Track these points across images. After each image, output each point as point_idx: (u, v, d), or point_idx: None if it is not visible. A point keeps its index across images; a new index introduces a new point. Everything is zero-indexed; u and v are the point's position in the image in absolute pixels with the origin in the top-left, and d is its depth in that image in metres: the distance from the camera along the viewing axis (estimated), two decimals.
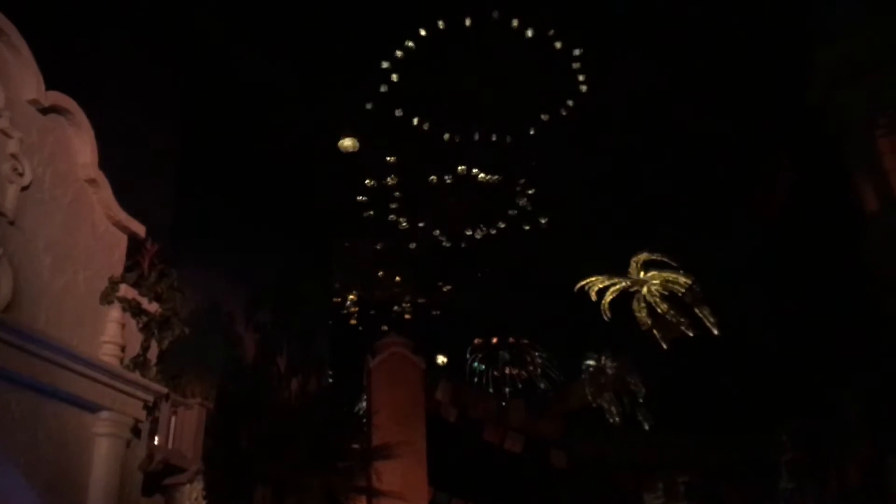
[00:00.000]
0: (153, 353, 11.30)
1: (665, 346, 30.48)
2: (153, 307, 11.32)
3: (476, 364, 44.14)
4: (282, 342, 31.05)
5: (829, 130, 15.04)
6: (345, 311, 42.81)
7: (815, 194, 17.49)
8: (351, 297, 43.27)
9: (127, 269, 11.24)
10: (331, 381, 30.92)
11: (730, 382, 28.15)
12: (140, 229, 11.51)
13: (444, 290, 43.16)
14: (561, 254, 35.53)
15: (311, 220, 35.08)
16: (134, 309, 10.95)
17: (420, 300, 44.18)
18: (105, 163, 12.04)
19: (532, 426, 28.52)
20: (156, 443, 13.45)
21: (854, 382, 23.47)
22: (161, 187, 20.46)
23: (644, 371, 28.09)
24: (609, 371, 25.22)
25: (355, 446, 25.78)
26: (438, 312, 44.20)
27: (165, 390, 10.93)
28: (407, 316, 43.74)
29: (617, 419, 35.09)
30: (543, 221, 35.22)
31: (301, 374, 28.46)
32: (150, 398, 10.72)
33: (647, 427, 32.27)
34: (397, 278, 42.05)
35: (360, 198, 33.38)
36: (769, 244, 18.67)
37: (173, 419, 14.35)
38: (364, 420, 28.51)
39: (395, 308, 44.13)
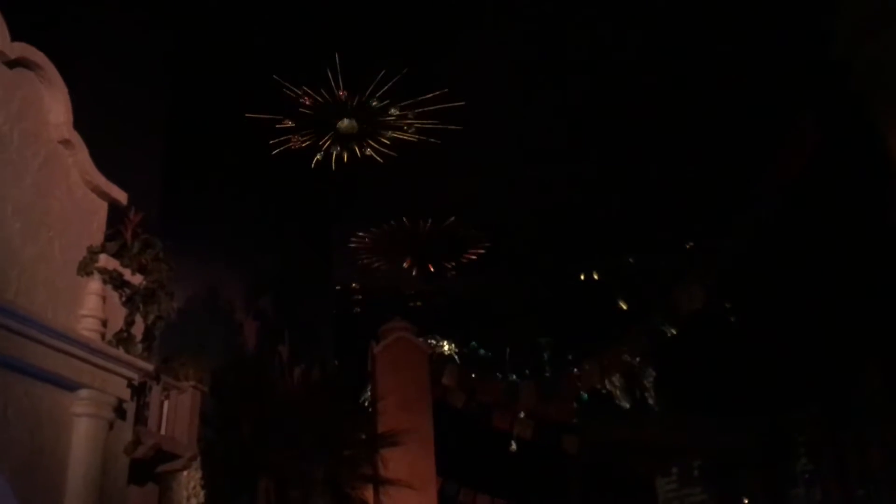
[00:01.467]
0: (138, 329, 10.48)
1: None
2: (137, 279, 10.49)
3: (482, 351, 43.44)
4: (284, 330, 30.36)
5: (857, 87, 14.16)
6: (349, 300, 42.12)
7: (841, 158, 16.61)
8: (354, 285, 42.57)
9: (107, 238, 10.41)
10: (335, 369, 30.16)
11: (746, 362, 27.26)
12: (121, 196, 10.68)
13: (449, 276, 42.36)
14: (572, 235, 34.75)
15: (312, 207, 34.38)
16: (115, 281, 10.13)
17: (425, 287, 43.45)
18: (88, 133, 11.25)
19: (543, 410, 27.68)
20: (146, 428, 12.68)
21: (879, 358, 22.62)
22: (149, 163, 19.59)
23: (657, 353, 27.21)
24: (619, 355, 24.44)
25: (361, 436, 25.00)
26: (444, 300, 43.50)
27: (151, 367, 10.10)
28: (417, 304, 43.06)
29: (626, 404, 34.29)
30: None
31: (304, 363, 27.62)
32: (135, 376, 9.90)
33: (656, 410, 31.37)
34: (405, 263, 41.28)
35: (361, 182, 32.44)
36: (790, 212, 17.82)
37: (165, 403, 13.56)
38: (369, 408, 27.78)
39: (400, 294, 43.42)
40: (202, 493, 16.65)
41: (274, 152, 29.89)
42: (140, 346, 10.34)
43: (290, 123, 29.58)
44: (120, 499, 9.66)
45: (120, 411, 9.79)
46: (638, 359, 23.83)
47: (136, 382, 9.99)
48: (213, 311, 25.81)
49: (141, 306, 10.45)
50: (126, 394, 9.73)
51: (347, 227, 37.46)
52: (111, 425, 9.57)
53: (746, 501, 35.05)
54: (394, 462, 23.76)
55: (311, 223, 33.66)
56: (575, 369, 25.82)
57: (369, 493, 23.72)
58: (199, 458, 16.69)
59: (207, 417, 20.72)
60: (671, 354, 27.11)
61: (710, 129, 23.74)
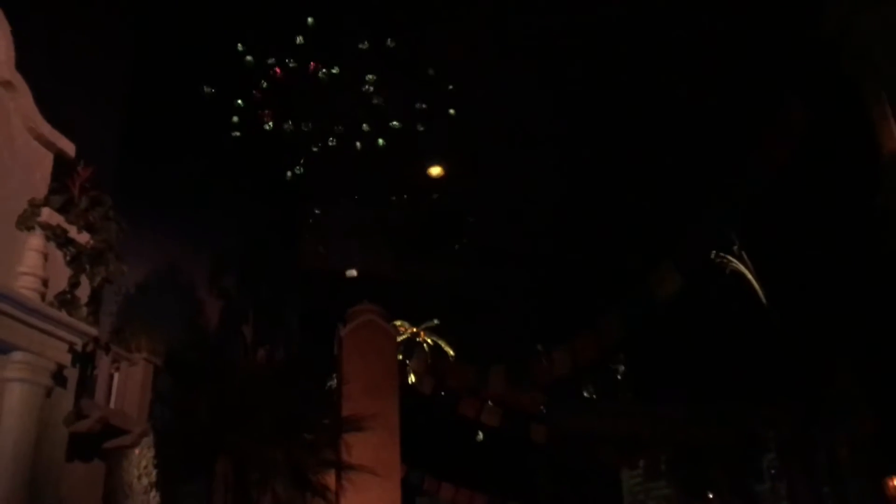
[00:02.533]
0: (84, 292, 9.70)
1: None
2: (84, 238, 9.72)
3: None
4: (247, 311, 29.56)
5: (847, 68, 13.71)
6: (317, 283, 41.23)
7: (828, 142, 16.19)
8: (322, 267, 41.69)
9: (52, 192, 9.61)
10: (299, 351, 29.43)
11: (717, 356, 26.96)
12: (69, 147, 9.88)
13: (421, 262, 41.64)
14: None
15: (279, 183, 33.50)
16: (59, 238, 9.35)
17: (395, 273, 42.69)
18: (41, 89, 10.42)
19: (512, 397, 27.14)
20: (93, 400, 11.89)
21: (851, 355, 22.38)
22: (106, 129, 18.65)
23: (629, 341, 26.80)
24: (591, 342, 23.97)
25: (325, 420, 24.30)
26: (413, 284, 42.74)
27: (95, 332, 9.34)
28: (388, 289, 42.28)
29: (594, 395, 33.96)
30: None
31: (268, 344, 26.85)
32: (78, 341, 9.13)
33: (625, 401, 30.99)
34: (372, 248, 40.47)
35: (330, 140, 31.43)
36: (772, 198, 17.40)
37: (115, 376, 12.79)
38: (334, 392, 27.09)
39: (369, 279, 42.61)
40: (154, 473, 15.87)
41: (235, 130, 28.90)
42: (85, 310, 9.58)
43: (257, 96, 28.63)
44: (56, 472, 8.90)
45: (59, 378, 9.02)
46: (610, 347, 23.42)
47: (78, 348, 9.21)
48: (172, 288, 24.93)
49: (87, 267, 9.69)
50: (66, 359, 8.96)
51: (317, 207, 36.57)
52: (48, 392, 8.81)
53: (711, 496, 34.91)
54: (357, 447, 23.08)
55: (278, 203, 32.82)
56: (545, 357, 25.29)
57: (331, 479, 23.04)
58: (151, 436, 15.93)
59: (164, 396, 20.04)
60: (642, 345, 26.75)
61: (695, 113, 23.25)
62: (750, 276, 27.04)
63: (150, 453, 15.89)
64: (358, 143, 30.34)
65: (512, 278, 35.58)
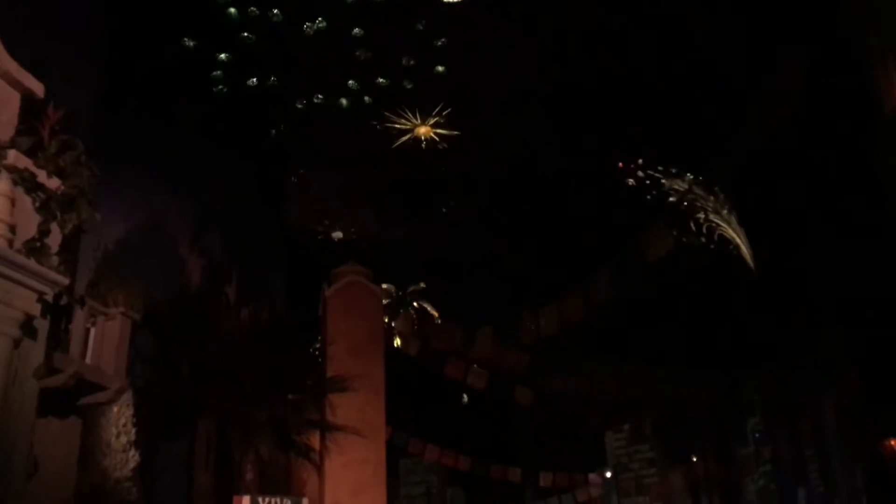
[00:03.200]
0: (55, 240, 9.24)
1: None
2: (54, 183, 9.24)
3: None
4: (231, 271, 29.07)
5: (849, 23, 13.30)
6: (302, 245, 40.76)
7: (827, 99, 15.81)
8: (310, 228, 41.19)
9: (19, 133, 9.11)
10: (284, 312, 29.02)
11: (704, 318, 26.82)
12: (37, 87, 9.37)
13: (407, 225, 41.21)
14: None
15: (263, 142, 32.88)
16: (28, 182, 8.86)
17: (381, 235, 42.27)
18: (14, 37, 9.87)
19: (498, 358, 26.96)
20: (67, 355, 11.50)
21: (842, 318, 22.26)
22: (83, 78, 17.98)
23: (617, 300, 26.62)
24: (579, 302, 23.76)
25: (308, 381, 24.03)
26: (400, 246, 42.36)
27: (65, 281, 8.89)
28: (373, 252, 41.91)
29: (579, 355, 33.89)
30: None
31: (252, 305, 26.43)
32: (48, 290, 8.69)
33: (610, 362, 30.83)
34: (357, 211, 39.99)
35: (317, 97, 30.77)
36: (770, 158, 17.07)
37: (92, 331, 12.40)
38: (318, 353, 26.81)
39: (354, 241, 42.19)
40: (133, 431, 15.56)
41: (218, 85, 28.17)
42: (55, 259, 9.11)
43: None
44: (26, 426, 8.52)
45: (29, 329, 8.60)
46: (598, 307, 23.22)
47: (48, 298, 8.78)
48: (154, 246, 24.38)
49: (58, 214, 9.20)
50: (35, 309, 8.53)
51: (302, 168, 35.96)
52: (16, 344, 8.38)
53: (695, 459, 35.16)
54: (342, 408, 22.87)
55: (263, 162, 32.18)
56: (532, 318, 25.06)
57: (315, 440, 22.84)
58: (130, 393, 15.58)
59: (145, 355, 19.70)
60: (629, 305, 26.54)
61: (691, 67, 22.68)
62: (738, 239, 26.86)
63: (129, 411, 15.56)
64: (343, 101, 29.68)
65: (499, 240, 35.24)
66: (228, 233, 29.41)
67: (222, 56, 27.95)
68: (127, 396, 15.54)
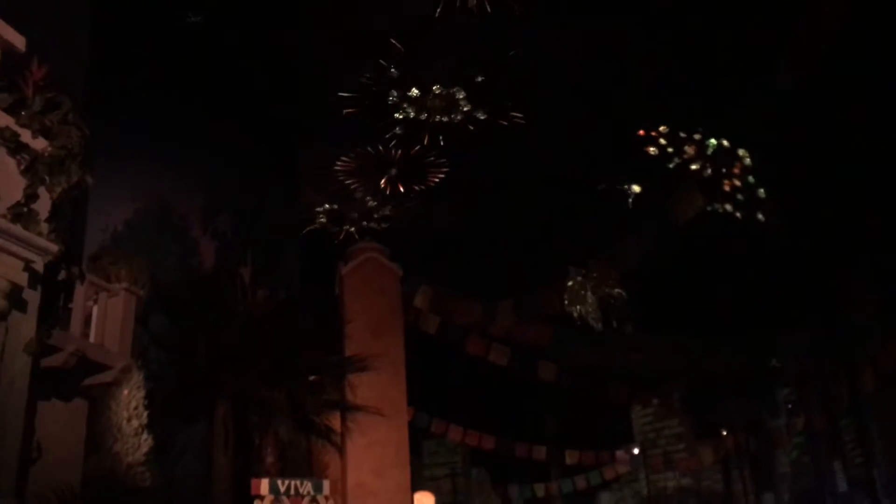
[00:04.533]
0: (43, 205, 8.56)
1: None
2: (40, 144, 8.54)
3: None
4: (246, 251, 28.53)
5: None
6: (317, 225, 40.11)
7: (866, 40, 14.86)
8: (324, 208, 40.49)
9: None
10: (300, 291, 28.46)
11: (732, 285, 25.89)
12: (17, 40, 8.66)
13: (422, 198, 40.35)
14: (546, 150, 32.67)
15: (275, 120, 32.17)
16: (10, 143, 8.19)
17: (397, 212, 41.51)
18: None
19: (520, 332, 26.20)
20: (67, 332, 10.89)
21: (879, 280, 21.28)
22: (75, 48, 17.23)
23: (633, 276, 25.77)
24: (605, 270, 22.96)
25: (327, 361, 23.45)
26: (416, 227, 41.58)
27: (55, 248, 8.22)
28: (383, 226, 41.15)
29: (600, 325, 33.11)
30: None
31: (268, 285, 25.86)
32: (36, 258, 8.04)
33: (635, 334, 29.95)
34: (372, 188, 39.20)
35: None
36: (799, 107, 16.11)
37: (95, 308, 11.78)
38: (336, 333, 26.19)
39: (370, 222, 41.46)
40: (145, 415, 14.96)
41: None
42: (45, 226, 8.44)
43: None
44: (17, 404, 7.89)
45: (17, 300, 7.95)
46: (626, 273, 22.40)
47: (37, 267, 8.11)
48: (164, 226, 23.85)
49: (46, 177, 8.51)
50: (22, 279, 7.87)
51: (316, 146, 35.19)
52: (4, 315, 7.73)
53: (725, 432, 34.30)
54: (362, 388, 22.29)
55: (275, 136, 31.50)
56: (556, 287, 24.29)
57: (336, 421, 22.26)
58: (140, 375, 14.98)
59: (159, 338, 19.17)
60: (656, 273, 25.67)
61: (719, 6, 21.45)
62: (766, 201, 25.87)
63: (140, 394, 14.95)
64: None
65: (520, 210, 34.33)
66: (242, 212, 28.85)
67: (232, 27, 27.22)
68: (137, 379, 14.94)
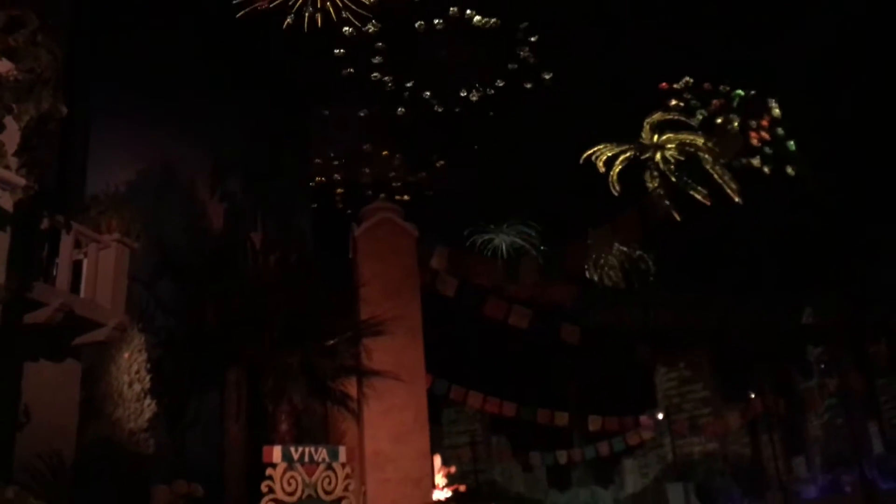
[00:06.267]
0: (11, 137, 7.60)
1: (678, 218, 27.06)
2: (4, 66, 7.55)
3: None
4: (256, 214, 27.72)
5: None
6: (328, 190, 39.26)
7: None
8: (336, 175, 39.62)
9: None
10: (312, 254, 27.62)
11: (761, 241, 24.76)
12: None
13: (437, 165, 39.43)
14: (567, 118, 31.64)
15: (284, 82, 31.16)
16: None
17: (411, 178, 40.55)
18: None
19: (542, 291, 25.17)
20: (53, 287, 9.98)
21: None
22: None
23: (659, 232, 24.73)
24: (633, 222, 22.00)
25: (342, 325, 22.60)
26: (431, 192, 40.65)
27: (22, 181, 7.27)
28: (399, 197, 40.22)
29: (622, 285, 32.23)
30: (547, 77, 30.99)
31: (279, 250, 25.01)
32: (2, 193, 7.07)
33: (661, 293, 29.00)
34: (384, 152, 38.24)
35: (337, 51, 29.03)
36: (832, 57, 14.91)
37: (85, 262, 10.85)
38: (351, 297, 25.33)
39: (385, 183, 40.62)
40: (147, 378, 14.13)
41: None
42: (14, 160, 7.48)
43: None
44: None
45: None
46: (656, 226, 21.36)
47: (4, 204, 7.16)
48: (171, 189, 22.97)
49: (13, 105, 7.53)
50: None
51: (328, 106, 34.19)
52: None
53: (753, 396, 33.26)
54: (378, 352, 21.44)
55: (286, 97, 30.47)
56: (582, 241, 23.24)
57: (352, 386, 21.46)
58: (143, 338, 14.15)
59: (165, 304, 18.39)
60: (686, 227, 24.57)
61: None
62: (798, 156, 24.71)
63: (142, 357, 14.12)
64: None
65: (540, 168, 33.30)
66: (252, 176, 27.97)
67: None
68: (139, 341, 14.12)
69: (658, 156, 31.33)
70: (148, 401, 13.81)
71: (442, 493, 25.56)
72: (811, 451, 31.57)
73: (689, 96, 30.15)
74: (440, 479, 25.84)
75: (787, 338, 27.64)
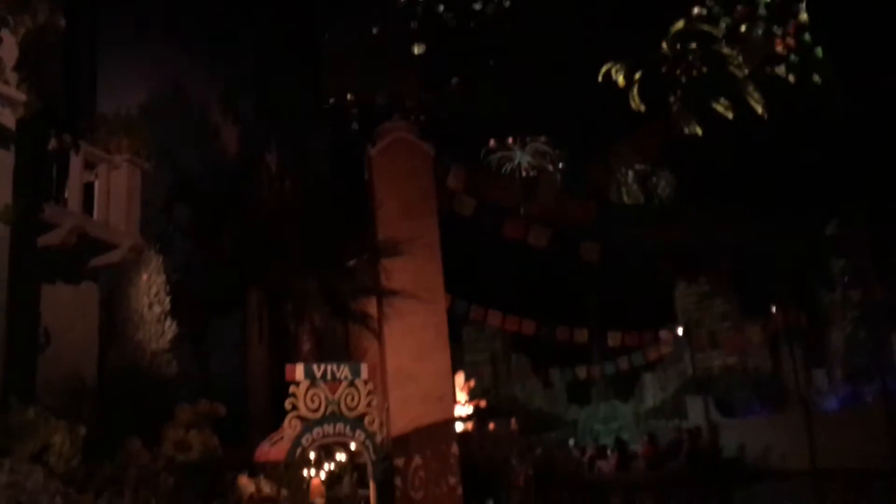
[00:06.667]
0: (9, 52, 7.32)
1: (700, 133, 26.42)
2: None
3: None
4: (269, 138, 27.41)
5: None
6: (342, 111, 38.65)
7: None
8: (349, 95, 38.94)
9: None
10: (329, 176, 27.39)
11: (782, 151, 24.18)
12: None
13: (453, 82, 38.64)
14: (587, 30, 30.72)
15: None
16: None
17: (426, 97, 39.79)
18: None
19: (561, 209, 24.89)
20: (66, 208, 9.86)
21: None
22: None
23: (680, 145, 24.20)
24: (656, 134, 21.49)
25: (359, 245, 22.54)
26: (447, 110, 39.93)
27: (23, 97, 7.03)
28: (414, 116, 39.54)
29: (641, 199, 31.86)
30: None
31: (295, 172, 24.88)
32: (3, 110, 6.84)
33: (681, 206, 28.60)
34: (398, 70, 37.47)
35: None
36: None
37: (96, 183, 10.71)
38: (368, 218, 25.20)
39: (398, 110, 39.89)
40: (167, 300, 14.19)
41: None
42: (13, 74, 7.22)
43: None
44: None
45: None
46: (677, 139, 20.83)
47: (6, 121, 6.94)
48: (180, 112, 22.63)
49: (8, 17, 7.23)
50: None
51: (341, 23, 33.37)
52: None
53: (774, 310, 33.09)
54: (397, 273, 21.41)
55: (296, 14, 29.73)
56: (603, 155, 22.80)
57: (372, 306, 21.55)
58: (160, 260, 14.14)
59: (182, 229, 18.44)
60: (708, 138, 24.01)
61: None
62: (823, 62, 23.86)
63: (161, 278, 14.14)
64: None
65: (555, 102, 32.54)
66: (263, 98, 27.54)
67: None
68: (156, 263, 14.13)
69: (679, 69, 30.50)
70: (169, 322, 13.90)
71: (464, 409, 25.87)
72: (832, 363, 31.53)
73: (712, 3, 29.10)
74: (462, 396, 26.13)
75: (810, 250, 27.25)
